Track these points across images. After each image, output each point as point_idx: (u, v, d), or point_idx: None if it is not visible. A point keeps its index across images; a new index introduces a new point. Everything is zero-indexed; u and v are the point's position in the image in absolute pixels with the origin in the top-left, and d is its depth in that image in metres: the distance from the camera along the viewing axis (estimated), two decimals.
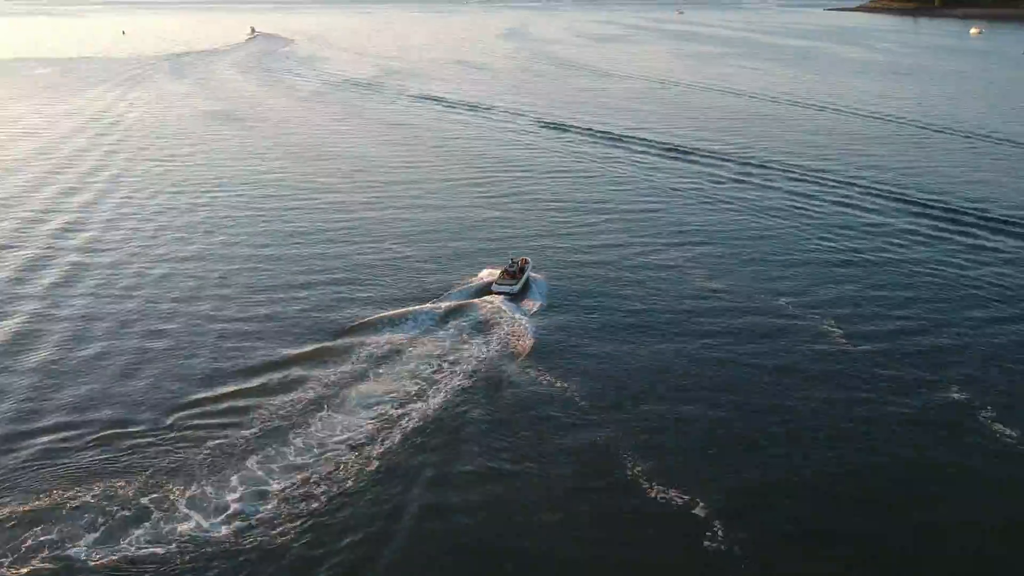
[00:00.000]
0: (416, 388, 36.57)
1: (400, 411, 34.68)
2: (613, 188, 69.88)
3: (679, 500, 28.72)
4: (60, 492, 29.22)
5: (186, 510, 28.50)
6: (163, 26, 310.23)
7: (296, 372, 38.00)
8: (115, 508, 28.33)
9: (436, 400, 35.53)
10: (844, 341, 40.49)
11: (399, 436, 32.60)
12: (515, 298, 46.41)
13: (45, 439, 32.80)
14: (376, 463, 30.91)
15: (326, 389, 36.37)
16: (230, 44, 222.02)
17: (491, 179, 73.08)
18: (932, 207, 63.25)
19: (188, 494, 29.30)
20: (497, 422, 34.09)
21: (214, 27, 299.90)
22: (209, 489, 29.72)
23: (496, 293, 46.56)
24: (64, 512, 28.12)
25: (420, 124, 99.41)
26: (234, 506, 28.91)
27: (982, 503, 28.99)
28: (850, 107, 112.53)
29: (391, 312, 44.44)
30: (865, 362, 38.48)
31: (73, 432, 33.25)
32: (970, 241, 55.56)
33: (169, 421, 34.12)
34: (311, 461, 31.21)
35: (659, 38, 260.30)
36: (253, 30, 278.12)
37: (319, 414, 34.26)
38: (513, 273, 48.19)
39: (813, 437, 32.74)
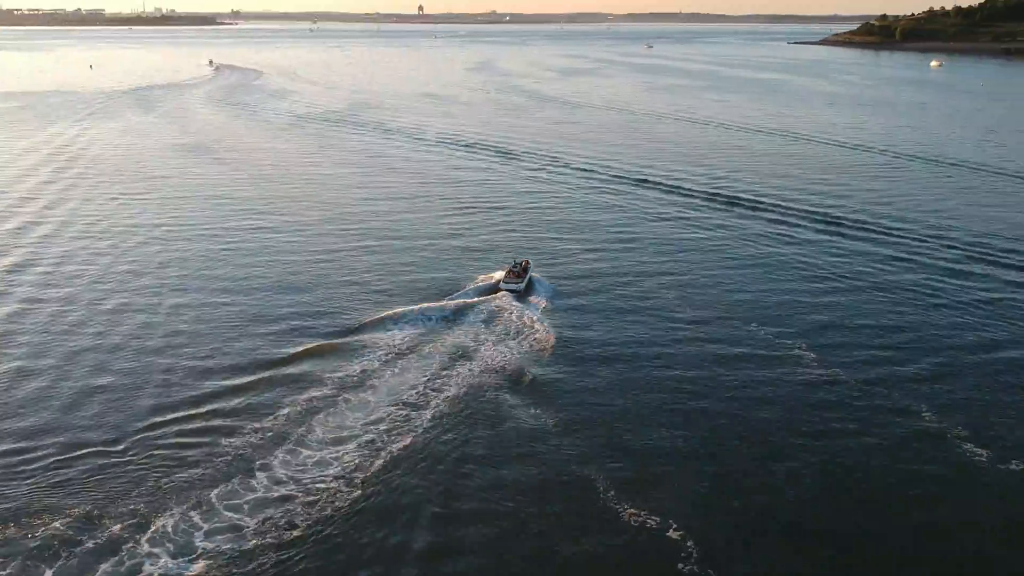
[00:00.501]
0: (445, 373, 39.83)
1: (430, 396, 37.56)
2: (584, 213, 70.00)
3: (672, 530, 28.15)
4: (15, 527, 28.08)
5: (152, 548, 26.98)
6: (132, 60, 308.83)
7: (329, 360, 41.24)
8: (79, 542, 27.13)
9: (463, 386, 38.65)
10: (816, 364, 40.45)
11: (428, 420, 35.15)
12: (522, 295, 50.72)
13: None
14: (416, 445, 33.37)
15: (362, 375, 39.56)
16: (200, 78, 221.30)
17: (468, 204, 72.96)
18: (900, 234, 63.81)
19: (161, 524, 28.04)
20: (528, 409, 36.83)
21: (184, 61, 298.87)
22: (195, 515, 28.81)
23: (504, 290, 50.93)
24: (20, 549, 26.91)
25: (395, 155, 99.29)
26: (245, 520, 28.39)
27: (961, 524, 28.80)
28: (819, 137, 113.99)
29: (412, 307, 48.16)
30: (841, 388, 38.22)
31: (32, 455, 32.53)
32: (942, 264, 55.97)
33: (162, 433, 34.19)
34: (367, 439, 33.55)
35: (627, 71, 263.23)
36: (212, 62, 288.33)
37: (351, 398, 37.00)
38: (518, 273, 53.15)
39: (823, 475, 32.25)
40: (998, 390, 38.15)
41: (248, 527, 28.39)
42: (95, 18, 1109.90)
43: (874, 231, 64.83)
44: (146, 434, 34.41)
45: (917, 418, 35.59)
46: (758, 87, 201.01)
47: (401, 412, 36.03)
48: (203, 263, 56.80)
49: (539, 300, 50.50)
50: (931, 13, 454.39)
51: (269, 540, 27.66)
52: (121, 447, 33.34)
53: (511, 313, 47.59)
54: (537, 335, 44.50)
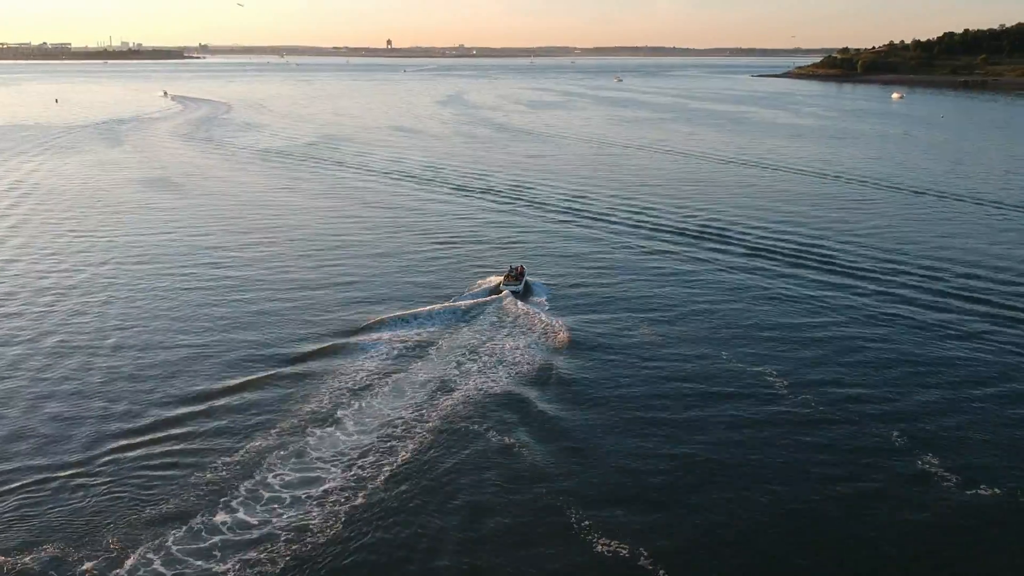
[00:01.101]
0: (472, 364, 44.19)
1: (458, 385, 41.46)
2: (560, 241, 69.96)
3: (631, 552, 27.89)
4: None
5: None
6: (98, 94, 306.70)
7: (349, 355, 45.07)
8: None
9: (491, 373, 42.96)
10: (788, 393, 40.35)
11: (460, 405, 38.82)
12: (522, 296, 56.21)
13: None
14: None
15: (394, 365, 43.68)
16: (167, 111, 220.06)
17: (446, 234, 72.54)
18: (872, 264, 64.52)
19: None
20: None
21: (150, 96, 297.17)
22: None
23: (505, 291, 56.41)
24: None
25: (367, 188, 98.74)
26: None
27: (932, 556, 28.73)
28: (788, 167, 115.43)
29: (425, 307, 53.07)
30: (815, 421, 38.33)
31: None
32: (917, 295, 56.52)
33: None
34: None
35: (596, 104, 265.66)
36: (166, 93, 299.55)
37: (385, 386, 40.89)
38: (515, 276, 58.31)
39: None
40: (999, 425, 38.14)
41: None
42: (61, 52, 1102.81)
43: (843, 263, 65.40)
44: (117, 455, 34.21)
45: (907, 457, 35.64)
46: (724, 119, 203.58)
47: (437, 398, 39.85)
48: (163, 293, 55.81)
49: (540, 299, 56.36)
50: (891, 46, 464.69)
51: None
52: (79, 479, 32.65)
53: (519, 309, 52.98)
54: (547, 327, 50.03)
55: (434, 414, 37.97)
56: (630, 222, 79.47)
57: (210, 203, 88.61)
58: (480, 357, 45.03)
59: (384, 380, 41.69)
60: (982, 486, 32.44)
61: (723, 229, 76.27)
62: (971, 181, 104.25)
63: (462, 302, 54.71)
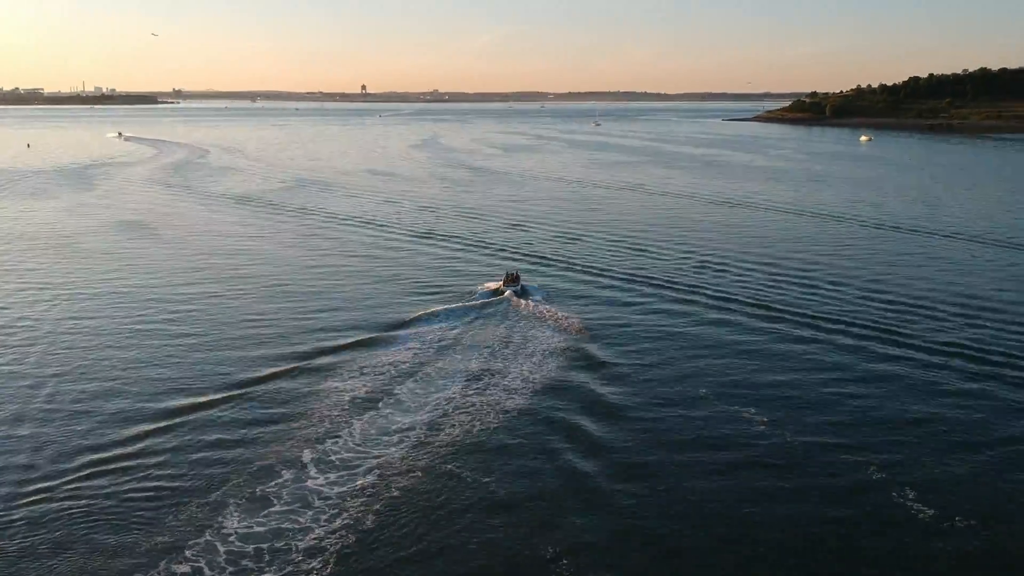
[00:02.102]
0: (508, 349, 52.69)
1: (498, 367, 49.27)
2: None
3: None
4: None
5: None
6: (71, 139, 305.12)
7: (384, 350, 52.27)
8: None
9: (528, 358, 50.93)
10: (764, 426, 40.04)
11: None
12: (523, 295, 65.30)
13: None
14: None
15: (434, 356, 51.08)
16: (142, 156, 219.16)
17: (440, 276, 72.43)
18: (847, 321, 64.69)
19: None
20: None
21: (122, 141, 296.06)
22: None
23: (508, 291, 65.68)
24: None
25: (346, 231, 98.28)
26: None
27: None
28: (761, 208, 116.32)
29: (443, 307, 62.36)
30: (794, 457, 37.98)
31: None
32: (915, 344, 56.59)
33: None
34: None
35: (570, 147, 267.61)
36: (120, 134, 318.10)
37: (432, 370, 48.09)
38: (513, 279, 67.89)
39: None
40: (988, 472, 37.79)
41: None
42: (34, 97, 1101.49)
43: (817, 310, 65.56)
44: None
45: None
46: (699, 162, 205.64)
47: (489, 379, 47.40)
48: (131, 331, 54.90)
49: (537, 297, 65.31)
50: (859, 90, 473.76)
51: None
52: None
53: (526, 305, 62.60)
54: (558, 317, 59.48)
55: (492, 393, 45.12)
56: (614, 248, 79.67)
57: (190, 244, 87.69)
58: (513, 342, 54.12)
59: (432, 366, 49.25)
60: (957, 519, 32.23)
61: (705, 268, 76.42)
62: (946, 219, 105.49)
63: (476, 301, 64.84)
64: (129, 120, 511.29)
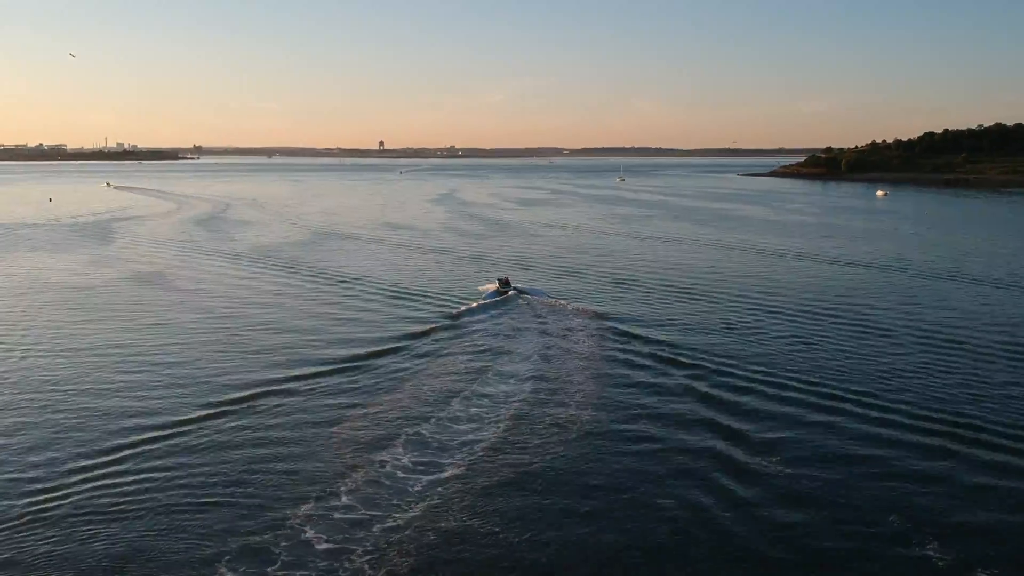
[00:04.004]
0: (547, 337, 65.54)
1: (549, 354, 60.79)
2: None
3: None
4: None
5: None
6: (92, 194, 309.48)
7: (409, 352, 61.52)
8: None
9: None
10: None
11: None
12: (523, 294, 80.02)
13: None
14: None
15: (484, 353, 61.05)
16: (163, 211, 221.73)
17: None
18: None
19: None
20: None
21: (143, 195, 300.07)
22: None
23: (505, 292, 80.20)
24: None
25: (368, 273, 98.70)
26: None
27: None
28: (784, 261, 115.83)
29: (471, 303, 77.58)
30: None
31: None
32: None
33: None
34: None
35: (581, 201, 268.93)
36: (109, 184, 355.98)
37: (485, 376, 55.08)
38: (505, 282, 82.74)
39: None
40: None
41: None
42: (57, 153, 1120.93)
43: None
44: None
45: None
46: (720, 216, 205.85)
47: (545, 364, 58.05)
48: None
49: (541, 296, 79.72)
50: (873, 145, 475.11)
51: None
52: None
53: (533, 301, 78.23)
54: (570, 308, 75.64)
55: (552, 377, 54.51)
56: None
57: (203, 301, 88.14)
58: (548, 329, 67.56)
59: (493, 357, 59.18)
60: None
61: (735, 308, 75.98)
62: (958, 265, 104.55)
63: (488, 300, 77.76)
64: (149, 175, 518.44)
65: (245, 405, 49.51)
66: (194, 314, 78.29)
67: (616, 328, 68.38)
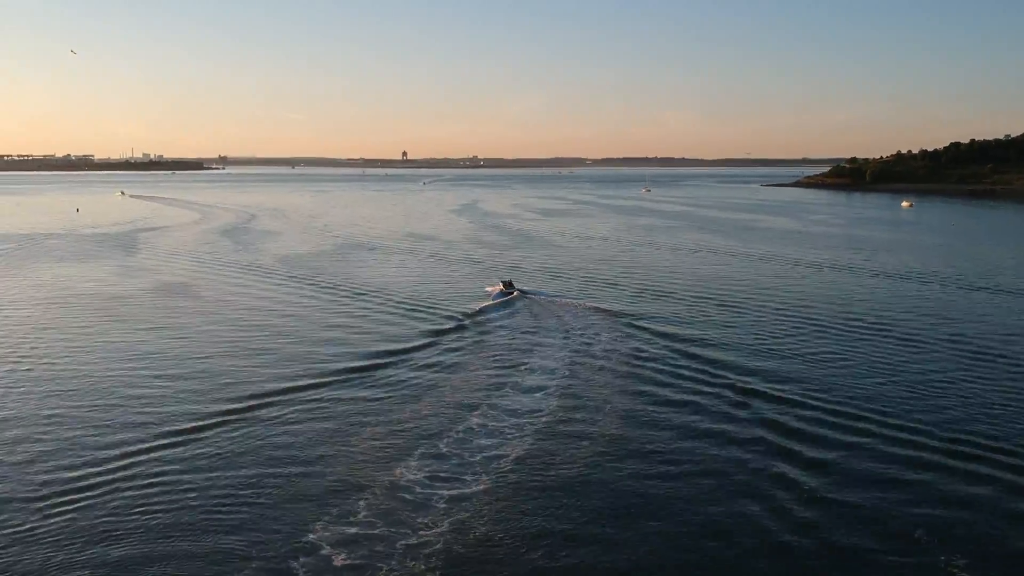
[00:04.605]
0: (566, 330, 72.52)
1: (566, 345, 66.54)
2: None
3: None
4: None
5: None
6: (119, 204, 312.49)
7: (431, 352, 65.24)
8: None
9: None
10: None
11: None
12: (525, 294, 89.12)
13: None
14: None
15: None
16: (187, 221, 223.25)
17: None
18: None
19: None
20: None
21: (168, 205, 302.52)
22: None
23: (511, 292, 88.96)
24: None
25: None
26: None
27: None
28: (817, 273, 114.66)
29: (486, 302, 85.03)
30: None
31: None
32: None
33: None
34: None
35: (603, 211, 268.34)
36: (123, 192, 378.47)
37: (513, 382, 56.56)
38: (509, 283, 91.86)
39: None
40: None
41: None
42: (84, 163, 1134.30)
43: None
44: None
45: None
46: (745, 228, 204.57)
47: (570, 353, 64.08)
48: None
49: (543, 296, 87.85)
50: (899, 156, 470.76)
51: None
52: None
53: (538, 299, 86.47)
54: (575, 305, 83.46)
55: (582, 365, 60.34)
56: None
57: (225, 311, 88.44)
58: (566, 323, 75.23)
59: (517, 357, 63.06)
60: None
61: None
62: (986, 276, 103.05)
63: (495, 300, 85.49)
64: (179, 186, 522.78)
65: (263, 412, 50.02)
66: (215, 324, 78.72)
67: (641, 326, 74.19)
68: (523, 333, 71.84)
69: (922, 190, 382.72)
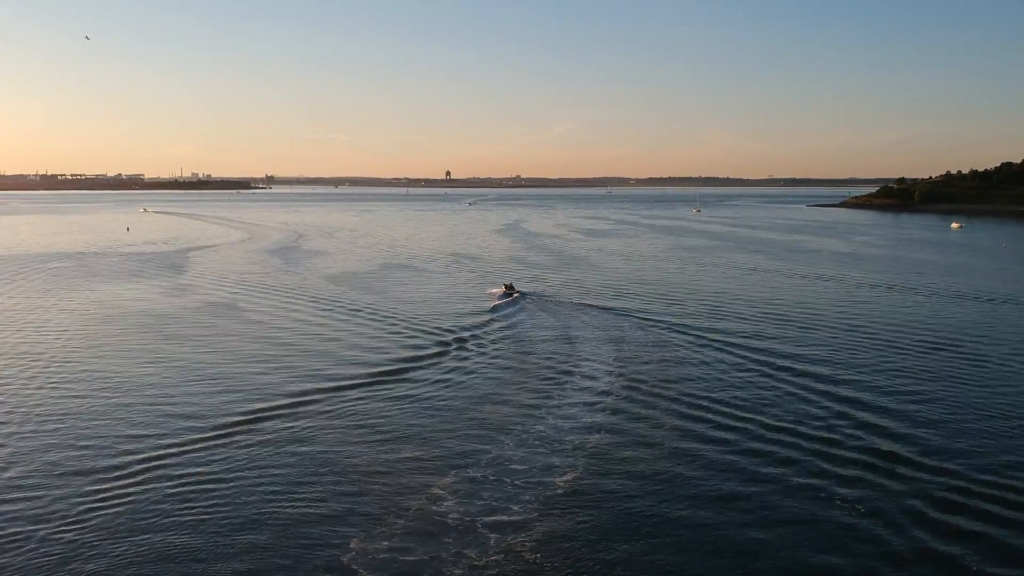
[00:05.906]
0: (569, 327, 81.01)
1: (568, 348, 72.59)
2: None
3: None
4: None
5: None
6: (165, 223, 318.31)
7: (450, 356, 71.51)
8: None
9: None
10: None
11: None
12: (525, 295, 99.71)
13: None
14: None
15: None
16: (234, 240, 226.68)
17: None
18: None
19: None
20: None
21: (217, 224, 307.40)
22: None
23: (511, 294, 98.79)
24: None
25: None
26: None
27: None
28: (867, 296, 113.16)
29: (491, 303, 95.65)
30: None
31: None
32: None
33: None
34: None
35: (645, 231, 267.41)
36: (145, 209, 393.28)
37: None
38: (510, 286, 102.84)
39: None
40: None
41: None
42: (134, 182, 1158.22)
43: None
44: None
45: None
46: (793, 249, 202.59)
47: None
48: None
49: (543, 296, 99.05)
50: (948, 176, 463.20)
51: None
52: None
53: (541, 301, 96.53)
54: (575, 302, 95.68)
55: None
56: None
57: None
58: (573, 320, 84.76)
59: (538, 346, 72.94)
60: None
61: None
62: None
63: (500, 300, 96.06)
64: (227, 205, 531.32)
65: (290, 418, 51.84)
66: (254, 340, 79.78)
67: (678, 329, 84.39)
68: (539, 328, 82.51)
69: (972, 211, 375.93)
